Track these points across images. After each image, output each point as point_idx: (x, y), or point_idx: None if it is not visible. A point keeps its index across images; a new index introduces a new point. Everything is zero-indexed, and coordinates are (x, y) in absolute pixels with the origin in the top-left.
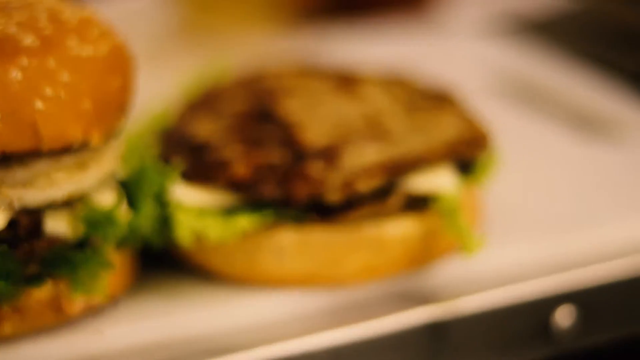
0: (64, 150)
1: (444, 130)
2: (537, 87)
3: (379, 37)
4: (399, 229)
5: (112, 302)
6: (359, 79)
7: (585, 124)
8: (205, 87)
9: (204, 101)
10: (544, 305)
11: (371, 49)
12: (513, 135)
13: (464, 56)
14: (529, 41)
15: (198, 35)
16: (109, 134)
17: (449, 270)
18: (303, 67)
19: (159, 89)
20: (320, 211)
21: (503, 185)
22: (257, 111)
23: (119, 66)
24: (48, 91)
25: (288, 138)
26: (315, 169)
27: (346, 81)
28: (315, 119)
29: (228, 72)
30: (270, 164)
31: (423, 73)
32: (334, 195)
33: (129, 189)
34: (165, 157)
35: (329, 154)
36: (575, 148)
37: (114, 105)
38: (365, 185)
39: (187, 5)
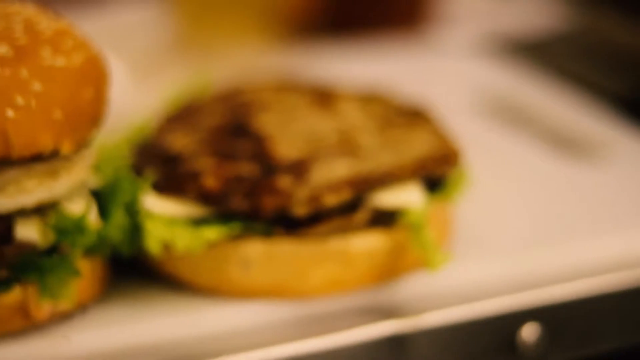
0: (34, 158)
1: (415, 147)
2: (521, 107)
3: (367, 55)
4: (366, 244)
5: (81, 308)
6: (336, 94)
7: (567, 145)
8: (186, 100)
9: (182, 114)
10: (509, 323)
11: (358, 66)
12: (491, 154)
13: (451, 75)
14: (517, 61)
15: (192, 50)
16: (80, 144)
17: (415, 286)
18: (282, 82)
19: (149, 101)
20: (288, 224)
21: (476, 203)
22: (232, 125)
23: (92, 77)
24: (19, 100)
25: (260, 152)
26: (283, 182)
27: (323, 97)
28: (288, 133)
29: (210, 86)
30: (239, 177)
31: (405, 90)
32: (301, 209)
33: (101, 198)
34: (138, 168)
35: (298, 168)
36: (552, 167)
37: (86, 115)
38: (332, 200)
39: (181, 20)
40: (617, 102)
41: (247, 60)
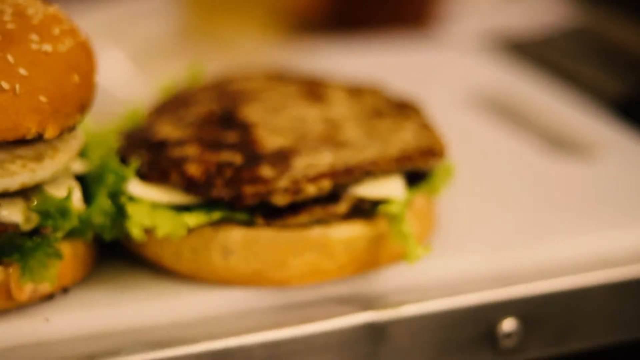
0: (18, 142)
1: (400, 139)
2: (515, 104)
3: (365, 48)
4: (346, 234)
5: (62, 290)
6: (326, 85)
7: (558, 143)
8: (177, 89)
9: (172, 102)
10: (489, 316)
11: (355, 58)
12: (480, 148)
13: (447, 70)
14: (515, 59)
15: (197, 40)
16: (65, 129)
17: (394, 277)
18: (273, 73)
19: (151, 89)
20: (269, 213)
21: (460, 196)
22: (219, 114)
23: (78, 64)
24: (4, 84)
25: (244, 140)
26: (265, 171)
27: (313, 87)
28: (274, 122)
29: (204, 76)
30: (222, 165)
31: (400, 84)
32: (281, 198)
33: (86, 182)
34: (125, 154)
35: (281, 158)
36: (542, 164)
37: (71, 101)
38: (313, 190)
39: (188, 10)
40: (612, 102)
41: (250, 52)
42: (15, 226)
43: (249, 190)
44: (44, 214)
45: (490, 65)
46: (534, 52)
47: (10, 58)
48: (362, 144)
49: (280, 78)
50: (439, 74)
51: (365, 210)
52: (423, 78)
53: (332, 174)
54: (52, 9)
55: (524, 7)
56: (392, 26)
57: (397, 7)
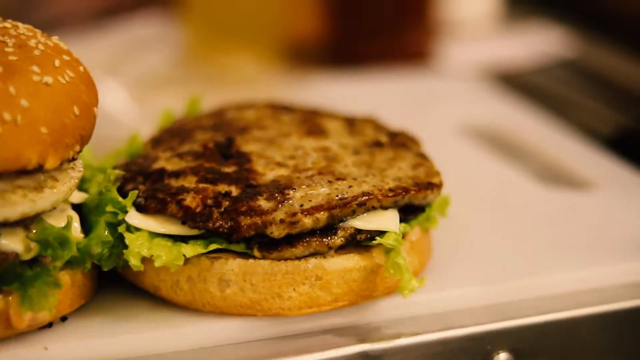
0: (19, 172)
1: (397, 172)
2: (510, 136)
3: (362, 79)
4: (341, 265)
5: (61, 319)
6: (324, 117)
7: (553, 175)
8: (177, 117)
9: (170, 132)
10: (482, 350)
11: (351, 88)
12: (475, 180)
13: (443, 101)
14: (510, 90)
15: (198, 70)
16: (65, 159)
17: (389, 309)
18: (271, 103)
19: (151, 120)
20: (265, 244)
21: (455, 229)
22: (218, 144)
23: (78, 95)
24: (6, 115)
25: (242, 171)
26: (262, 204)
27: (311, 118)
28: (272, 154)
29: (202, 106)
30: (219, 197)
31: (394, 114)
32: (278, 231)
33: (84, 212)
34: (123, 184)
35: (278, 189)
36: (537, 196)
37: (72, 132)
38: (309, 223)
39: (189, 40)
40: (606, 135)
41: (249, 81)
42: (15, 255)
43: (245, 221)
44: (44, 244)
45: (485, 96)
46: (528, 83)
47: (12, 89)
48: (359, 176)
49: (278, 109)
50: (434, 105)
51: (361, 242)
52: (418, 109)
53: (329, 206)
54: (53, 41)
55: (519, 39)
56: (388, 60)
57: (393, 41)
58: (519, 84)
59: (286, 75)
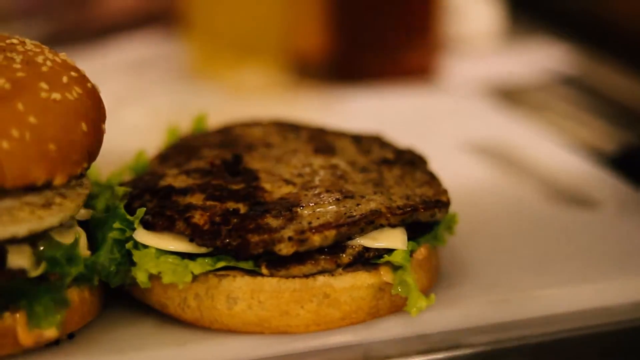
0: (27, 189)
1: (406, 190)
2: (512, 151)
3: (367, 95)
4: (349, 283)
5: (68, 336)
6: (332, 134)
7: (557, 191)
8: (183, 134)
9: (177, 149)
10: None
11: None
12: (480, 196)
13: (447, 117)
14: (513, 106)
15: (204, 86)
16: (73, 176)
17: (396, 327)
18: (279, 120)
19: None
20: (273, 262)
21: (463, 245)
22: (225, 161)
23: (86, 111)
24: (14, 132)
25: (249, 188)
26: (269, 220)
27: (319, 135)
28: (280, 171)
29: (209, 123)
30: (227, 214)
31: (398, 130)
32: (286, 248)
33: (92, 229)
34: (131, 201)
35: (286, 207)
36: (542, 212)
37: (79, 149)
38: (318, 240)
39: (194, 55)
40: (608, 152)
41: (255, 97)
42: (23, 272)
43: (253, 239)
44: (51, 260)
45: (489, 113)
46: (531, 100)
47: (20, 106)
48: (367, 194)
49: (286, 126)
50: (438, 121)
51: (369, 260)
52: (422, 125)
53: (337, 224)
54: (61, 57)
55: (523, 56)
56: (392, 76)
57: (397, 58)
58: (522, 100)
59: (290, 90)
